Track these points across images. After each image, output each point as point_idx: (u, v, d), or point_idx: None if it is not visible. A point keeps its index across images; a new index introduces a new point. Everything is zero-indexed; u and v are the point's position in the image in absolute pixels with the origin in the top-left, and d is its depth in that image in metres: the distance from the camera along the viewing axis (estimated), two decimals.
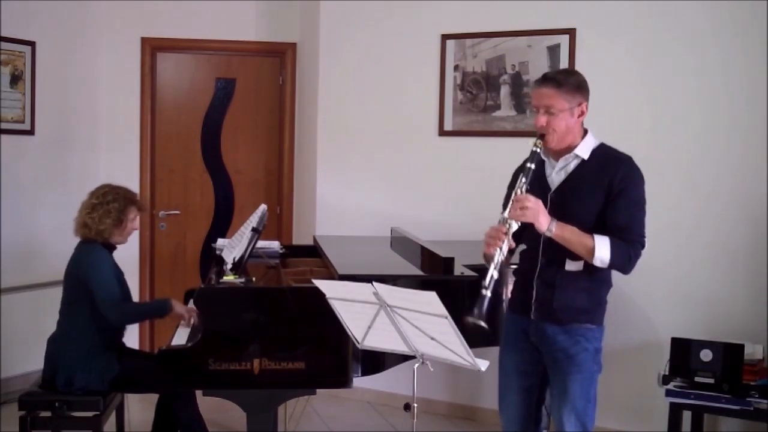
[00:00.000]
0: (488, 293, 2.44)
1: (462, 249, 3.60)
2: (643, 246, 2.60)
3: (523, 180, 2.56)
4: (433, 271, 3.24)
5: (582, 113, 2.62)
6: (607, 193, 2.58)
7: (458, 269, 3.21)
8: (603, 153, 2.65)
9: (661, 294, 4.03)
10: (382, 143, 4.81)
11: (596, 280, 2.65)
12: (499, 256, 2.49)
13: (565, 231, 2.54)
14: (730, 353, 3.48)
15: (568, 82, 2.60)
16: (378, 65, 4.80)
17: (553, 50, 4.29)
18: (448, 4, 4.58)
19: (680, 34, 4.00)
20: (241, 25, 5.27)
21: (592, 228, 2.57)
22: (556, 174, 2.68)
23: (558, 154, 2.67)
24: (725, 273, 3.92)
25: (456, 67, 4.59)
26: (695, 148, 3.99)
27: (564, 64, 4.24)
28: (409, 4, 4.68)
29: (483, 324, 2.41)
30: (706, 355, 3.52)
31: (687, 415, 3.68)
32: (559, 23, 4.26)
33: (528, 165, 2.58)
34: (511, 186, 2.80)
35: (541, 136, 2.60)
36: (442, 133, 4.65)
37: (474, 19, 4.51)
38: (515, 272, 2.88)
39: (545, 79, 2.63)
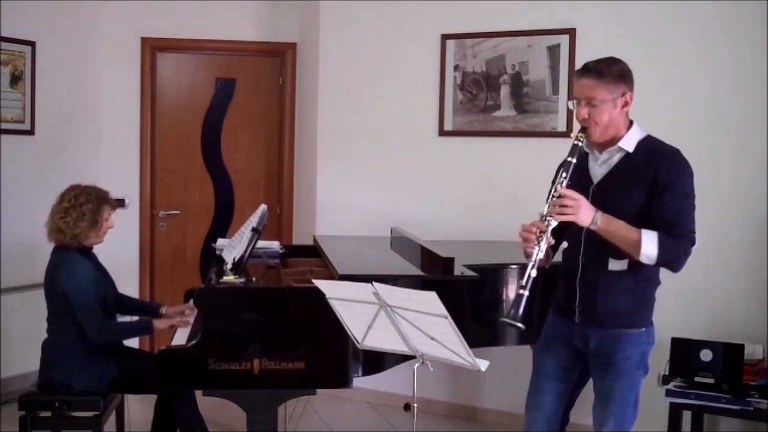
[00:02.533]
0: (526, 292, 2.35)
1: (462, 249, 3.61)
2: (693, 242, 2.47)
3: (564, 175, 2.45)
4: (433, 271, 3.24)
5: (626, 104, 2.51)
6: (652, 188, 2.45)
7: (458, 269, 3.21)
8: (649, 146, 2.53)
9: (661, 294, 4.01)
10: (382, 143, 4.81)
11: (642, 279, 2.53)
12: (537, 255, 2.38)
13: (611, 224, 2.41)
14: (730, 353, 3.48)
15: (611, 71, 2.49)
16: (378, 65, 4.80)
17: (553, 50, 4.29)
18: (448, 4, 4.58)
19: (681, 33, 4.00)
20: (241, 25, 5.27)
21: (635, 223, 2.44)
22: (599, 167, 2.57)
23: (602, 147, 2.56)
24: (725, 273, 3.92)
25: (456, 67, 4.59)
26: (696, 148, 3.96)
27: (564, 64, 4.24)
28: (409, 4, 4.68)
29: (520, 325, 2.35)
30: (706, 355, 3.52)
31: (687, 415, 3.68)
32: (559, 23, 4.26)
33: (568, 159, 2.47)
34: (555, 180, 2.68)
35: (583, 129, 2.50)
36: (442, 133, 4.65)
37: (474, 19, 4.51)
38: (559, 273, 2.75)
39: (586, 70, 2.52)
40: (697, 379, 3.53)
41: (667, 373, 3.60)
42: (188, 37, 5.25)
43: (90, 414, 3.29)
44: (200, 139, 5.41)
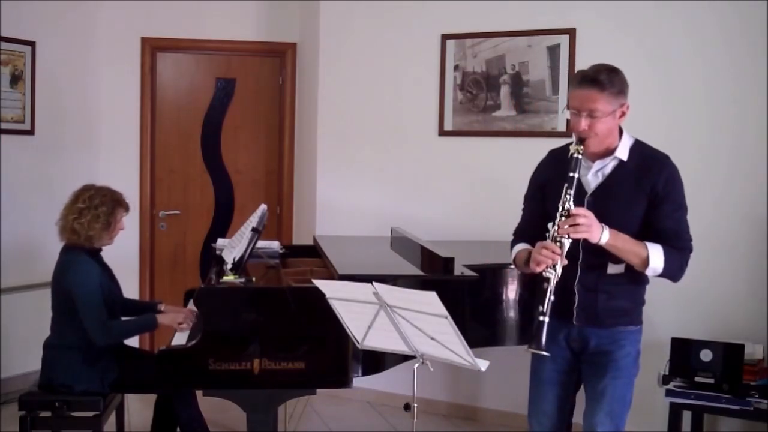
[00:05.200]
0: (546, 319, 2.37)
1: (462, 249, 3.60)
2: (691, 251, 2.51)
3: (570, 192, 2.40)
4: (433, 271, 3.24)
5: (623, 114, 2.50)
6: (651, 197, 2.47)
7: (458, 269, 3.21)
8: (641, 153, 2.53)
9: (661, 294, 4.01)
10: (382, 143, 4.81)
11: (637, 281, 2.57)
12: (554, 279, 2.38)
13: (618, 240, 2.42)
14: (730, 353, 3.48)
15: (613, 83, 2.45)
16: (378, 65, 4.80)
17: (553, 50, 4.29)
18: (448, 4, 4.58)
19: (682, 33, 4.00)
20: (241, 25, 5.27)
21: (634, 233, 2.46)
22: (593, 176, 2.54)
23: (593, 156, 2.53)
24: (725, 273, 3.92)
25: (456, 67, 4.59)
26: (696, 149, 3.99)
27: (564, 64, 4.24)
28: (409, 4, 4.68)
29: (545, 353, 2.39)
30: (706, 355, 3.52)
31: (687, 415, 3.68)
32: (559, 23, 4.26)
33: (571, 174, 2.42)
34: (534, 185, 2.71)
35: (581, 141, 2.46)
36: (442, 133, 4.65)
37: (474, 19, 4.51)
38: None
39: (587, 80, 2.45)
40: (697, 379, 3.53)
41: (667, 373, 3.60)
42: (188, 37, 5.25)
43: (90, 414, 3.29)
44: (200, 139, 5.41)
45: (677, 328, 3.84)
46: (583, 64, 4.15)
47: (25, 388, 3.53)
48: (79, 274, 3.29)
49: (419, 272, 3.31)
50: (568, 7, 4.24)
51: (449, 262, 3.18)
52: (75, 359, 3.31)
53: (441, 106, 4.63)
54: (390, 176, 4.79)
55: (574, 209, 2.39)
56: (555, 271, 2.39)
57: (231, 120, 5.41)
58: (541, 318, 2.36)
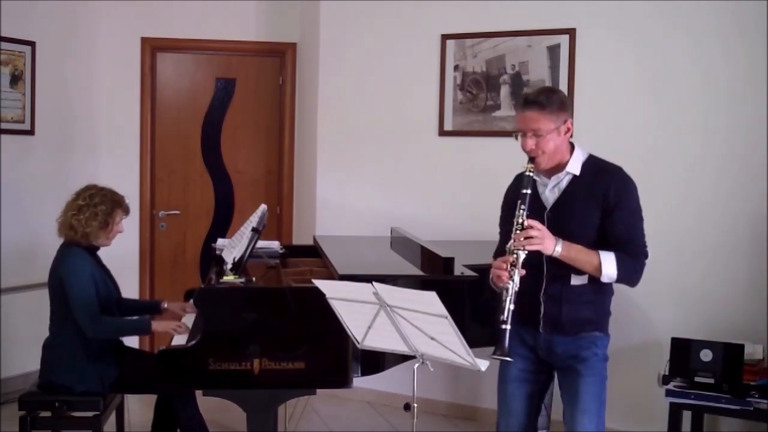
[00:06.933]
0: (508, 327, 2.45)
1: (462, 249, 3.60)
2: (646, 256, 2.62)
3: (522, 207, 2.54)
4: (433, 271, 3.24)
5: (568, 130, 2.62)
6: (603, 206, 2.58)
7: (458, 269, 3.21)
8: (593, 166, 2.65)
9: (661, 294, 4.03)
10: (382, 143, 4.81)
11: (601, 291, 2.66)
12: (513, 288, 2.48)
13: (571, 251, 2.54)
14: (730, 353, 3.48)
15: (552, 102, 2.59)
16: (378, 65, 4.80)
17: (553, 50, 4.29)
18: (448, 4, 4.58)
19: (681, 33, 4.00)
20: (241, 25, 5.28)
21: (592, 242, 2.57)
22: (550, 192, 2.67)
23: (549, 172, 2.67)
24: (725, 273, 3.92)
25: (456, 67, 4.59)
26: (696, 148, 3.99)
27: (564, 64, 4.24)
28: (409, 4, 4.68)
29: (509, 359, 2.47)
30: (706, 355, 3.52)
31: (687, 415, 3.68)
32: (559, 23, 4.26)
33: (524, 191, 2.56)
34: (505, 208, 2.79)
35: (531, 159, 2.61)
36: (442, 133, 4.65)
37: (474, 19, 4.51)
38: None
39: (528, 103, 2.61)
40: (697, 379, 3.52)
41: (667, 373, 3.60)
42: (188, 37, 5.25)
43: (90, 414, 3.29)
44: (200, 139, 5.41)
45: (677, 328, 3.83)
46: (583, 64, 4.20)
47: (25, 388, 3.53)
48: (72, 264, 3.32)
49: (419, 272, 3.31)
50: (568, 7, 4.24)
51: (449, 262, 3.19)
52: (74, 360, 3.31)
53: (441, 106, 4.63)
54: (390, 176, 4.79)
55: (527, 222, 2.52)
56: (513, 281, 2.49)
57: (231, 120, 5.41)
58: (503, 326, 2.46)
